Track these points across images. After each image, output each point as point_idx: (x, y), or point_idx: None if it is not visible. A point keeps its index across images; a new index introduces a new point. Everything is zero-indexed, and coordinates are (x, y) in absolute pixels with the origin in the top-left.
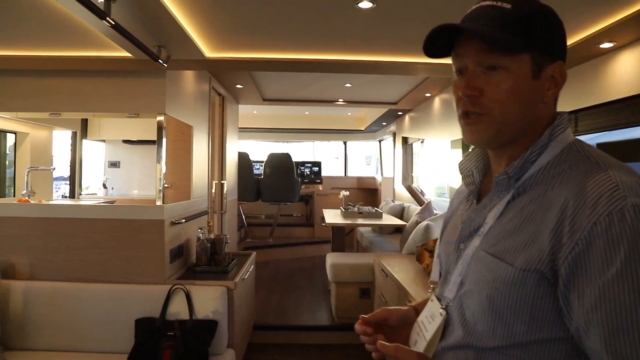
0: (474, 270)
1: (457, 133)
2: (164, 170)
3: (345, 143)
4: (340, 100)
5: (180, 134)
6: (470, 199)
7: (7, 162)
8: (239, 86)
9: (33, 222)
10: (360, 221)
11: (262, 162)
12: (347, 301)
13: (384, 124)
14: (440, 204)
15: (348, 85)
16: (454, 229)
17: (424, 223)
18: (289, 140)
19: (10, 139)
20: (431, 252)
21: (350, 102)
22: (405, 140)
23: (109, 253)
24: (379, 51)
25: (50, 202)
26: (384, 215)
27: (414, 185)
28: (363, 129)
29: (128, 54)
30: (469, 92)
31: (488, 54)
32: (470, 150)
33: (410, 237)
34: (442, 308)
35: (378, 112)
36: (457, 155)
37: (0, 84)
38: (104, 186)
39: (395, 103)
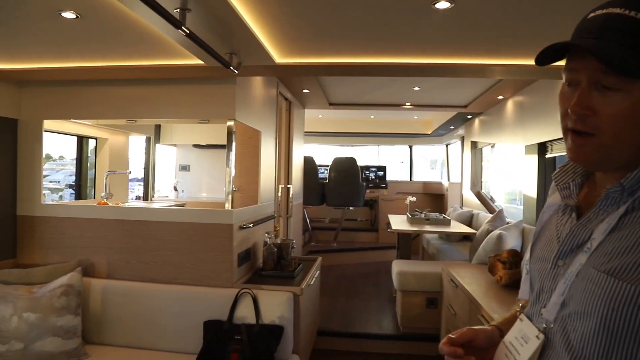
0: (583, 289)
1: (532, 138)
2: (233, 174)
3: (410, 147)
4: (407, 103)
5: (247, 138)
6: (568, 213)
7: (88, 165)
8: (305, 91)
9: (111, 224)
10: (427, 228)
11: (327, 166)
12: (413, 310)
13: (452, 127)
14: (512, 212)
15: (416, 88)
16: (548, 244)
17: (496, 232)
18: (353, 144)
19: (91, 144)
20: (504, 264)
21: (418, 106)
22: (474, 144)
23: (180, 255)
24: (454, 53)
25: (127, 205)
26: (452, 222)
27: (483, 191)
28: (429, 132)
29: (200, 62)
30: (580, 110)
31: (608, 74)
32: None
33: (481, 246)
34: (539, 331)
35: (446, 115)
36: (532, 161)
37: (82, 93)
38: (175, 189)
39: (464, 106)
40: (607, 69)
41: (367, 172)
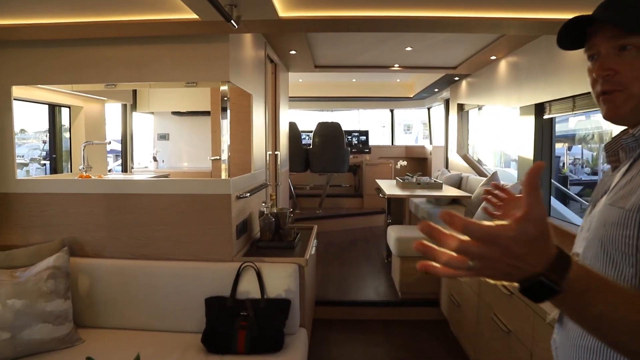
0: (595, 222)
1: (528, 99)
2: (228, 142)
3: (392, 111)
4: (396, 65)
5: (232, 103)
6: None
7: (62, 137)
8: (292, 52)
9: (96, 198)
10: (418, 192)
11: (309, 131)
12: (412, 276)
13: (436, 90)
14: (504, 175)
15: (409, 48)
16: (591, 200)
17: None
18: (334, 109)
19: (64, 113)
20: None
21: (406, 67)
22: (460, 107)
23: (174, 229)
24: (466, 5)
25: (113, 178)
26: (444, 187)
27: (470, 154)
28: (412, 96)
29: (192, 17)
30: (603, 72)
31: (623, 37)
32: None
33: (480, 209)
34: None
35: (431, 77)
36: (528, 122)
37: (56, 55)
38: (154, 159)
39: (454, 67)
40: (619, 32)
41: (349, 137)
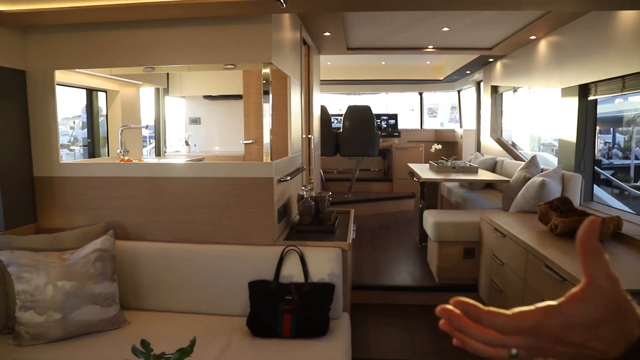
0: None
1: (571, 80)
2: (270, 125)
3: (421, 94)
4: (430, 46)
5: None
6: None
7: (99, 121)
8: (326, 34)
9: (138, 182)
10: (453, 176)
11: (338, 115)
12: (450, 261)
13: (468, 72)
14: (544, 160)
15: (445, 29)
16: None
17: (538, 179)
18: (361, 93)
19: (101, 98)
20: (559, 212)
21: (441, 49)
22: (494, 89)
23: (216, 213)
24: None
25: (153, 161)
26: (480, 170)
27: (503, 137)
28: (442, 78)
29: None
30: None
31: None
32: None
33: (520, 194)
34: None
35: (463, 59)
36: (571, 104)
37: (96, 38)
38: (187, 143)
39: (489, 48)
40: None
41: (378, 120)
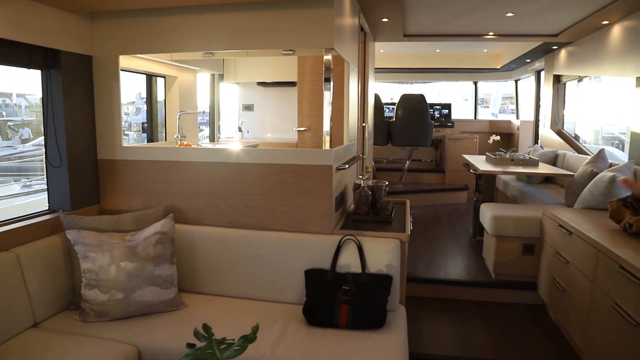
0: None
1: None
2: (330, 113)
3: (475, 83)
4: (490, 33)
5: (317, 74)
6: None
7: (158, 106)
8: (384, 20)
9: (197, 167)
10: (512, 169)
11: (391, 104)
12: (508, 257)
13: (528, 60)
14: (612, 154)
15: (510, 14)
16: None
17: (608, 174)
18: (413, 81)
19: (159, 83)
20: (633, 210)
21: (501, 36)
22: (557, 78)
23: (273, 199)
24: None
25: (213, 147)
26: (540, 164)
27: (565, 129)
28: (499, 67)
29: None
30: None
31: None
32: None
33: (587, 189)
34: None
35: (524, 47)
36: None
37: (158, 24)
38: (240, 130)
39: (554, 35)
40: None
41: (431, 110)
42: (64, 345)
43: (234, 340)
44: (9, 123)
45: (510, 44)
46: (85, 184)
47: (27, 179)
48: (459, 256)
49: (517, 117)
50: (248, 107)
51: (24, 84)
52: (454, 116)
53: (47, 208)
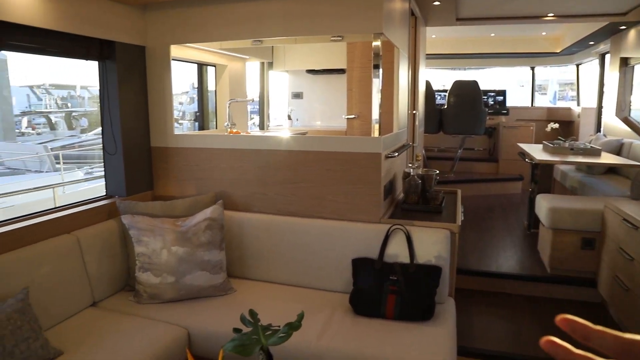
0: None
1: None
2: (379, 100)
3: (533, 69)
4: (549, 14)
5: (367, 60)
6: None
7: (208, 95)
8: (436, 3)
9: (246, 154)
10: (572, 159)
11: (442, 91)
12: (565, 251)
13: (591, 43)
14: None
15: None
16: None
17: None
18: (466, 67)
19: (210, 72)
20: None
21: (562, 17)
22: (624, 61)
23: (321, 187)
24: None
25: (262, 134)
26: (603, 153)
27: (632, 117)
28: (558, 51)
29: None
30: None
31: None
32: None
33: None
34: None
35: (587, 28)
36: None
37: (207, 13)
38: (289, 117)
39: (622, 14)
40: None
41: (485, 97)
42: (120, 324)
43: (279, 327)
44: (73, 113)
45: (571, 26)
46: (139, 170)
47: (90, 166)
48: (512, 249)
49: (578, 104)
50: (297, 95)
51: (87, 77)
52: (509, 103)
53: (104, 194)
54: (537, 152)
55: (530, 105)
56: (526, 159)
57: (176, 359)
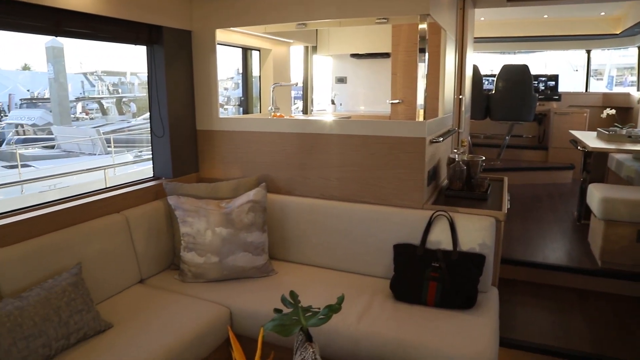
0: None
1: None
2: (424, 85)
3: (588, 52)
4: None
5: (412, 44)
6: None
7: (253, 79)
8: None
9: (289, 138)
10: (629, 147)
11: (490, 76)
12: (618, 244)
13: None
14: None
15: None
16: None
17: None
18: (516, 51)
19: (255, 57)
20: None
21: None
22: None
23: (363, 172)
24: None
25: (305, 118)
26: None
27: None
28: (618, 32)
29: None
30: None
31: None
32: None
33: None
34: None
35: None
36: None
37: None
38: (332, 102)
39: None
40: None
41: (535, 82)
42: (165, 301)
43: (319, 309)
44: (123, 99)
45: (634, 4)
46: (185, 153)
47: (138, 149)
48: (560, 240)
49: (638, 89)
50: (341, 80)
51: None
52: (561, 88)
53: (152, 175)
54: (591, 139)
55: (584, 91)
56: (578, 147)
57: (218, 336)
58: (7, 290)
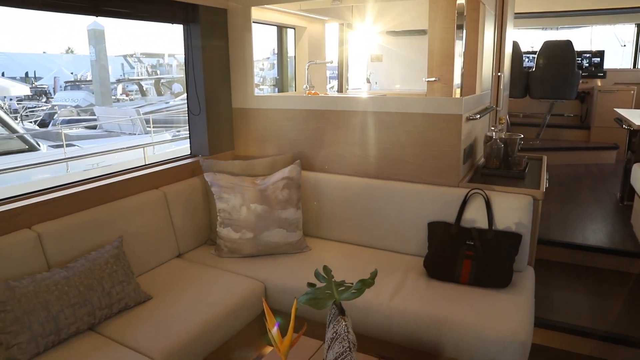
0: None
1: None
2: (462, 63)
3: (638, 25)
4: None
5: (450, 20)
6: None
7: (288, 58)
8: None
9: (325, 115)
10: None
11: (531, 53)
12: None
13: None
14: None
15: None
16: None
17: None
18: (559, 27)
19: (290, 36)
20: None
21: None
22: None
23: (398, 149)
24: None
25: (340, 95)
26: None
27: None
28: None
29: None
30: None
31: None
32: None
33: None
34: None
35: None
36: None
37: None
38: (368, 81)
39: None
40: None
41: (579, 59)
42: (203, 275)
43: (352, 284)
44: (162, 80)
45: None
46: (221, 131)
47: (177, 130)
48: (602, 221)
49: None
50: (376, 58)
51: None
52: (606, 65)
53: (189, 153)
54: (637, 117)
55: (632, 67)
56: (624, 125)
57: (253, 309)
58: (54, 260)
